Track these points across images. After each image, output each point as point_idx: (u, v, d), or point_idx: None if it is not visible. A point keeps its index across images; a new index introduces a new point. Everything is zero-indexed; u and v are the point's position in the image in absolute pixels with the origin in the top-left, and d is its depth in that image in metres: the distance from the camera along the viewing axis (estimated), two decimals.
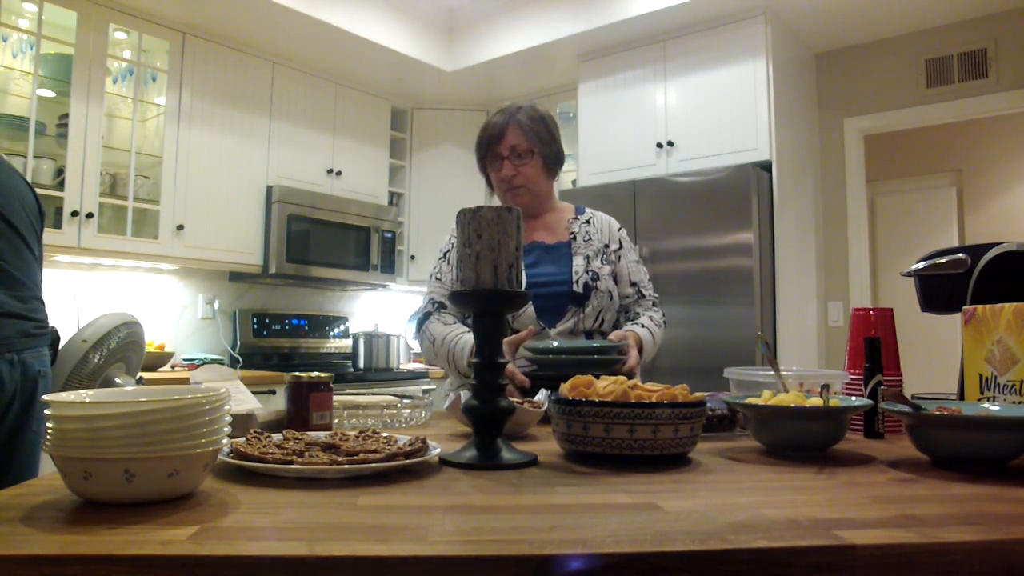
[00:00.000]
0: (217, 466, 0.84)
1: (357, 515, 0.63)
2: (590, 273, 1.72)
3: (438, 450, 0.90)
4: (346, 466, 0.79)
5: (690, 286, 3.36)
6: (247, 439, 0.89)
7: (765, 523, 0.61)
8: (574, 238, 1.79)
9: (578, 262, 1.73)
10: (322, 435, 0.91)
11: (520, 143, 1.72)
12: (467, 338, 1.59)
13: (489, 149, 1.76)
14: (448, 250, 1.81)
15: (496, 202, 1.82)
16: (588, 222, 1.84)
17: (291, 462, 0.79)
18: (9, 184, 1.92)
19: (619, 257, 1.82)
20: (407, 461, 0.83)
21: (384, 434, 0.95)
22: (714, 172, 3.36)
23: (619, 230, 1.87)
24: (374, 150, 4.52)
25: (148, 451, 0.64)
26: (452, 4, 4.21)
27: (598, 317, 1.71)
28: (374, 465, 0.79)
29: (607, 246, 1.81)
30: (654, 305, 1.85)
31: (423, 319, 1.74)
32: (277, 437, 0.92)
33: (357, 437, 0.92)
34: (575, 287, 1.69)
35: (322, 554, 0.52)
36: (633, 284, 1.81)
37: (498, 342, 0.92)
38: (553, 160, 1.79)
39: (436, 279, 1.80)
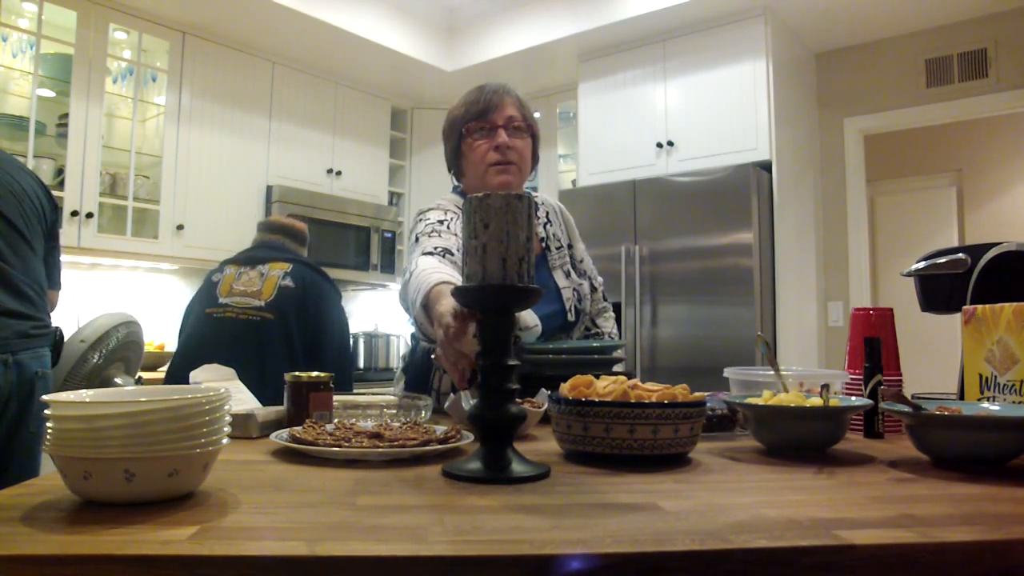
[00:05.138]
0: (263, 452, 0.93)
1: (357, 515, 0.63)
2: (576, 294, 1.64)
3: (471, 438, 0.97)
4: (385, 449, 0.87)
5: (690, 286, 3.36)
6: (304, 427, 0.98)
7: (765, 523, 0.61)
8: (548, 248, 1.65)
9: (562, 282, 1.63)
10: (370, 425, 1.03)
11: (517, 116, 1.54)
12: (439, 277, 1.16)
13: (482, 117, 1.52)
14: (445, 219, 1.52)
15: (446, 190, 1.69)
16: (548, 219, 1.70)
17: (340, 447, 0.88)
18: (9, 180, 1.91)
19: (580, 258, 1.75)
20: (441, 447, 0.91)
21: (425, 426, 1.02)
22: (714, 172, 3.36)
23: (567, 215, 1.78)
24: (374, 150, 4.52)
25: (148, 451, 0.64)
26: (452, 4, 4.21)
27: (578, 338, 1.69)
28: (412, 449, 0.88)
29: (570, 246, 1.73)
30: (604, 297, 1.82)
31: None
32: (330, 427, 1.02)
33: (400, 427, 1.00)
34: (569, 316, 1.61)
35: (322, 554, 0.52)
36: (588, 278, 1.75)
37: (507, 342, 0.85)
38: (538, 149, 1.63)
39: (429, 236, 1.47)
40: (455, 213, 1.55)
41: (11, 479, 1.74)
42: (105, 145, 3.36)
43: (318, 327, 2.23)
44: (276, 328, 2.16)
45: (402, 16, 4.05)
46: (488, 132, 1.53)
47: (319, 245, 4.03)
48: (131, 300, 3.63)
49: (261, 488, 0.74)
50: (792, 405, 0.98)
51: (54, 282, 2.13)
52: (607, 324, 1.79)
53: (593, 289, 1.77)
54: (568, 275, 1.65)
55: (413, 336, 1.69)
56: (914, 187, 5.11)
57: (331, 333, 2.25)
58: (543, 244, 1.66)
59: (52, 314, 2.09)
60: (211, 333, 2.20)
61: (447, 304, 0.97)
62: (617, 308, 3.48)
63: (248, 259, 2.36)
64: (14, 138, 3.12)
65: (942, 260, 1.34)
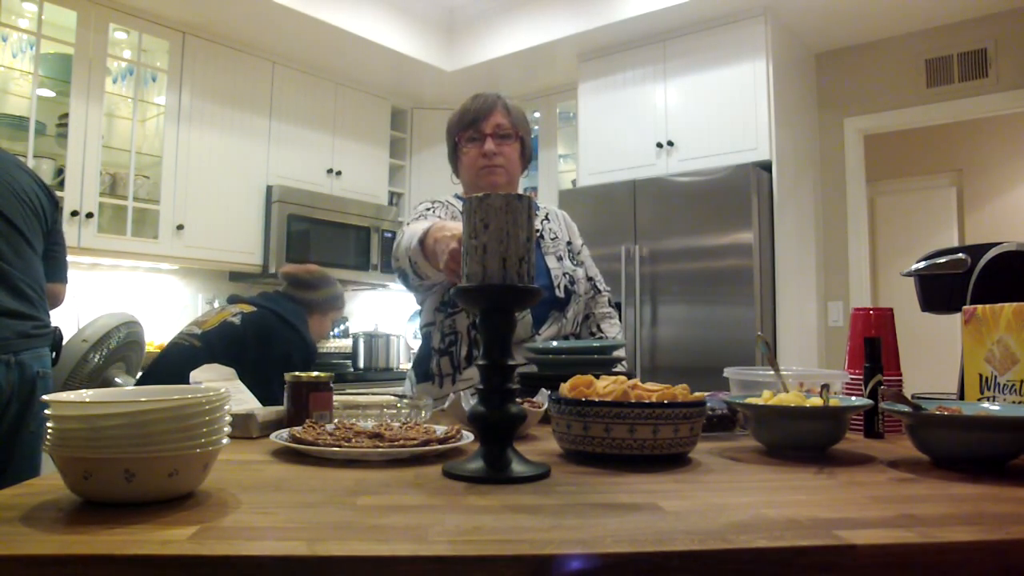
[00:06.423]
0: (263, 452, 0.93)
1: (357, 515, 0.63)
2: (567, 276, 1.70)
3: (471, 438, 0.97)
4: (385, 449, 0.87)
5: (690, 286, 3.36)
6: (304, 427, 0.98)
7: (765, 523, 0.61)
8: (541, 237, 1.75)
9: (553, 264, 1.70)
10: (370, 425, 1.04)
11: (505, 123, 1.67)
12: (425, 225, 1.37)
13: (472, 126, 1.67)
14: (432, 207, 1.71)
15: (457, 190, 1.80)
16: (547, 218, 1.81)
17: (340, 447, 0.88)
18: (9, 179, 1.91)
19: (581, 253, 1.83)
20: (441, 447, 0.91)
21: (425, 425, 1.02)
22: (714, 172, 3.36)
23: (570, 222, 1.88)
24: (374, 150, 4.52)
25: (148, 451, 0.64)
26: (452, 4, 4.21)
27: (575, 320, 1.71)
28: (412, 449, 0.88)
29: (569, 243, 1.80)
30: (609, 303, 1.86)
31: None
32: (330, 427, 1.02)
33: (400, 427, 1.01)
34: (557, 292, 1.66)
35: (322, 554, 0.52)
36: (590, 279, 1.81)
37: (507, 342, 0.85)
38: (527, 152, 1.75)
39: (416, 219, 1.64)
40: (442, 204, 1.71)
41: (11, 479, 1.74)
42: (105, 145, 3.36)
43: (259, 367, 2.23)
44: (199, 355, 2.22)
45: (402, 16, 4.05)
46: (477, 140, 1.67)
47: (319, 245, 4.04)
48: (131, 300, 3.63)
49: (261, 488, 0.74)
50: (792, 405, 0.98)
51: (61, 276, 2.14)
52: (612, 330, 1.82)
53: (598, 292, 1.83)
54: (560, 259, 1.73)
55: (421, 332, 1.72)
56: (914, 187, 5.11)
57: (262, 374, 2.29)
58: (538, 233, 1.74)
59: (55, 311, 2.09)
60: (161, 356, 2.38)
61: (451, 227, 1.20)
62: (617, 308, 3.50)
63: (233, 299, 2.52)
64: (14, 138, 3.12)
65: (942, 260, 1.34)
